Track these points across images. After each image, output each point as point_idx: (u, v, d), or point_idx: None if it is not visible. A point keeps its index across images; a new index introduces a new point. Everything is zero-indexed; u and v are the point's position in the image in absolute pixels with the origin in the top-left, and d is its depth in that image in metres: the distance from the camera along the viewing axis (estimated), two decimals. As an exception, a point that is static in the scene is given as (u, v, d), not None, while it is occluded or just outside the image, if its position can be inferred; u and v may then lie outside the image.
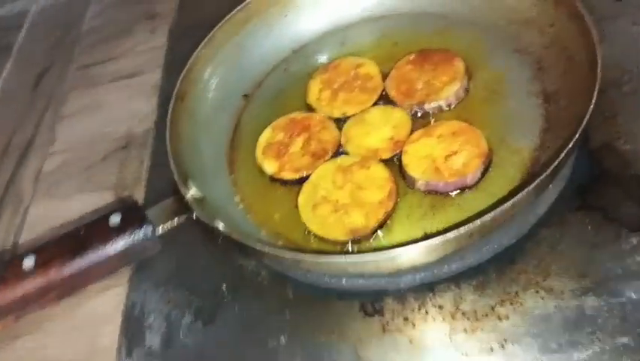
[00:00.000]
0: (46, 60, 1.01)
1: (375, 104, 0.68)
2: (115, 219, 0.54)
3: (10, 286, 0.50)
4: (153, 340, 0.59)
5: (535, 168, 0.57)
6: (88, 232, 0.53)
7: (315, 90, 0.72)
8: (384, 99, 0.68)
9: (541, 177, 0.49)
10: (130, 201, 0.73)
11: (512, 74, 0.66)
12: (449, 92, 0.65)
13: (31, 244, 0.70)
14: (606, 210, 0.55)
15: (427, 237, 0.51)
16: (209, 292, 0.61)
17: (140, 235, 0.54)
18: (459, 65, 0.67)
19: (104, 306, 0.64)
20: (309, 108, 0.71)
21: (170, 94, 0.84)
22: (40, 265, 0.51)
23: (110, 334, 0.61)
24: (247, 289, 0.60)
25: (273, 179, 0.65)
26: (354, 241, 0.57)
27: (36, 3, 1.15)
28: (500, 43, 0.69)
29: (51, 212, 0.76)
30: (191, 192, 0.59)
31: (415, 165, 0.60)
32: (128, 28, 1.00)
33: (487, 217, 0.48)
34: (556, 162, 0.49)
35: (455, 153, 0.59)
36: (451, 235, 0.48)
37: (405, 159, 0.61)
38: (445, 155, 0.59)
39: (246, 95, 0.75)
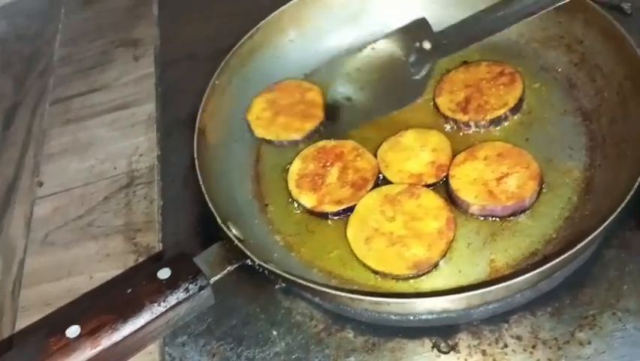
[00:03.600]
0: (14, 93, 0.93)
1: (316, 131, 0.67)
2: (164, 272, 0.49)
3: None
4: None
5: (591, 187, 0.57)
6: (137, 291, 0.48)
7: (257, 109, 0.70)
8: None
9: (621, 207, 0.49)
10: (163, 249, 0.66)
11: (543, 94, 0.65)
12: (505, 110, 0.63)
13: (67, 309, 0.62)
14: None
15: (515, 274, 0.49)
16: (258, 341, 0.56)
17: (194, 287, 0.49)
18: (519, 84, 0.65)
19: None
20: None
21: (170, 127, 0.80)
22: (90, 333, 0.45)
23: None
24: (302, 334, 0.56)
25: (312, 212, 0.62)
26: (416, 275, 0.55)
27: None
28: (523, 62, 0.68)
29: (52, 263, 0.69)
30: (234, 235, 0.55)
31: (467, 190, 0.58)
32: (107, 56, 0.94)
33: (574, 250, 0.47)
34: (631, 192, 0.49)
35: (506, 175, 0.58)
36: (535, 273, 0.47)
37: (454, 184, 0.59)
38: (495, 178, 0.58)
39: (262, 125, 0.71)
